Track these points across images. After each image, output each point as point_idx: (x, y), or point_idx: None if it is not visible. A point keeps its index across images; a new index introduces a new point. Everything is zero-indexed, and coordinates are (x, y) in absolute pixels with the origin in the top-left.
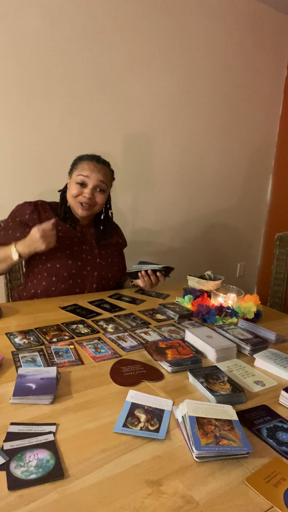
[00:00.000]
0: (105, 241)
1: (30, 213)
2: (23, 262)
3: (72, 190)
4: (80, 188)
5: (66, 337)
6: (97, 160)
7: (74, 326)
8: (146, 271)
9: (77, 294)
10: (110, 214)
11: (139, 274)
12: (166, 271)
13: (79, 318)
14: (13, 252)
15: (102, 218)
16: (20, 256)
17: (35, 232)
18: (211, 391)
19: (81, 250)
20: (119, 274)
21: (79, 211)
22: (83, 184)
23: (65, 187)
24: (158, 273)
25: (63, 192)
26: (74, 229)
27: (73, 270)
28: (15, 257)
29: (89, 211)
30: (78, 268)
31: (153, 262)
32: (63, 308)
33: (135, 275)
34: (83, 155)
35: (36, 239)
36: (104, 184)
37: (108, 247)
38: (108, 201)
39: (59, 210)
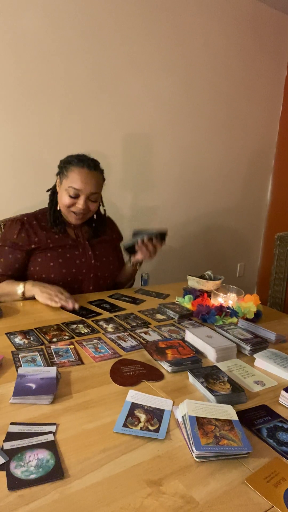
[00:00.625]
0: (98, 239)
1: (18, 233)
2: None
3: (64, 201)
4: (72, 199)
5: (66, 337)
6: (88, 166)
7: (74, 326)
8: (142, 241)
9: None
10: (103, 211)
11: (136, 247)
12: (161, 236)
13: (79, 318)
14: (20, 287)
15: (94, 216)
16: (23, 294)
17: (50, 293)
18: (211, 391)
19: (74, 256)
20: (116, 272)
21: (72, 221)
22: (75, 196)
23: (54, 188)
24: (154, 240)
25: (52, 193)
26: (64, 234)
27: (68, 278)
28: (19, 291)
29: (83, 220)
30: (72, 274)
31: (146, 229)
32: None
33: (132, 249)
34: (71, 159)
35: (46, 296)
36: (96, 194)
37: (102, 245)
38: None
39: (48, 215)
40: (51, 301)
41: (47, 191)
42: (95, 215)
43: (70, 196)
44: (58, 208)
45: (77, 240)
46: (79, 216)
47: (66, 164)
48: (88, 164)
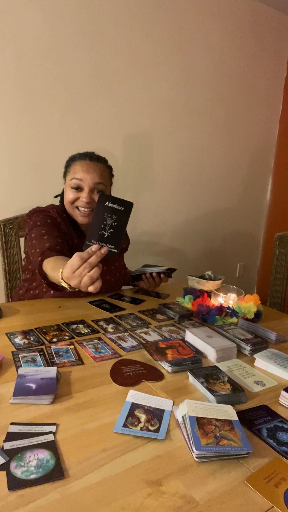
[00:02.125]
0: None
1: (57, 217)
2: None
3: (68, 196)
4: (75, 193)
5: (66, 337)
6: (90, 158)
7: (74, 326)
8: (150, 273)
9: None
10: None
11: (143, 276)
12: (170, 272)
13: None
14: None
15: None
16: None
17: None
18: (211, 391)
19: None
20: (121, 280)
21: (78, 219)
22: (78, 188)
23: (63, 192)
24: (162, 275)
25: (61, 197)
26: (79, 238)
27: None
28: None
29: (89, 217)
30: None
31: (156, 265)
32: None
33: (138, 277)
34: (75, 155)
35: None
36: (101, 185)
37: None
38: None
39: (66, 223)
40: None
41: (55, 197)
42: None
43: (73, 189)
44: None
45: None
46: (85, 212)
47: (69, 162)
48: (90, 156)
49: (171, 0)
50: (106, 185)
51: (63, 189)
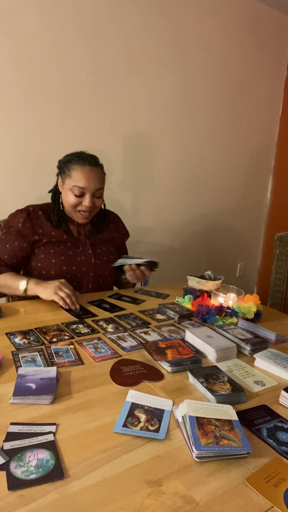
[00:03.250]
0: (98, 237)
1: (23, 222)
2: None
3: (70, 200)
4: (77, 198)
5: (66, 337)
6: (89, 163)
7: (74, 326)
8: (129, 265)
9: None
10: (102, 206)
11: (124, 268)
12: (150, 265)
13: (75, 318)
14: (21, 285)
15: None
16: (25, 290)
17: (54, 286)
18: (211, 391)
19: (75, 254)
20: (116, 271)
21: (79, 220)
22: (81, 195)
23: (56, 188)
24: (142, 267)
25: (54, 193)
26: (67, 233)
27: (67, 275)
28: (21, 287)
29: (89, 218)
30: (72, 272)
31: (136, 257)
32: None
33: (120, 268)
34: (71, 158)
35: (50, 290)
36: (101, 190)
37: (103, 244)
38: None
39: (52, 215)
40: (56, 296)
41: (49, 192)
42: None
43: (76, 195)
44: (61, 208)
45: (78, 238)
46: (85, 215)
47: (66, 164)
48: (89, 161)
49: (171, 0)
50: (103, 188)
51: (56, 185)
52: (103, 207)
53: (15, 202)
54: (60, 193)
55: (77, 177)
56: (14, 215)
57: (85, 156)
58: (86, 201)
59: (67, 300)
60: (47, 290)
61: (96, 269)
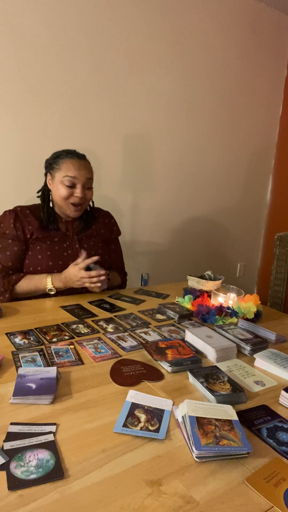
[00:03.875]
0: (86, 233)
1: (14, 222)
2: None
3: (62, 193)
4: (69, 189)
5: (66, 337)
6: (78, 157)
7: (74, 326)
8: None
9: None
10: (91, 203)
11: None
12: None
13: (75, 318)
14: (49, 286)
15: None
16: (56, 289)
17: (75, 273)
18: (211, 391)
19: (61, 249)
20: (103, 267)
21: (71, 213)
22: (72, 185)
23: (44, 188)
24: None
25: (43, 193)
26: (56, 230)
27: (54, 270)
28: (52, 292)
29: (81, 211)
30: (59, 267)
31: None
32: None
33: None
34: (59, 153)
35: (75, 279)
36: (91, 180)
37: (90, 239)
38: None
39: (41, 214)
40: (86, 285)
41: (38, 192)
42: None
43: (67, 186)
44: (51, 205)
45: (65, 233)
46: (78, 208)
47: (55, 159)
48: (77, 155)
49: (171, 0)
50: (92, 179)
51: (44, 184)
52: (91, 204)
53: (15, 202)
54: (49, 191)
55: (67, 168)
56: (3, 218)
57: (72, 151)
58: (78, 191)
59: (95, 283)
60: (75, 285)
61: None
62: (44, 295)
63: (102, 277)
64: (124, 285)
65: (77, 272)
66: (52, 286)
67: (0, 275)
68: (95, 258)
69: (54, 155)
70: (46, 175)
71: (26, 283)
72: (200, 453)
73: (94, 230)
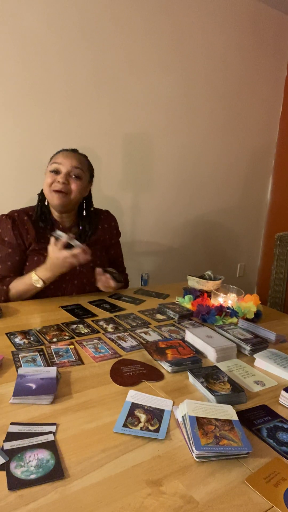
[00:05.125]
0: (86, 242)
1: (12, 230)
2: None
3: (46, 180)
4: (54, 176)
5: (66, 337)
6: (72, 151)
7: (74, 326)
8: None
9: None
10: (91, 209)
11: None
12: (111, 272)
13: (75, 318)
14: (34, 278)
15: (83, 215)
16: (44, 282)
17: (56, 255)
18: (211, 391)
19: None
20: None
21: (55, 201)
22: (57, 172)
23: (43, 192)
24: (107, 274)
25: (41, 192)
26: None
27: (51, 285)
28: (39, 285)
29: (64, 199)
30: (55, 282)
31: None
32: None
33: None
34: (58, 151)
35: (59, 262)
36: (78, 170)
37: (91, 248)
38: (88, 197)
39: (35, 210)
40: (70, 264)
41: (38, 194)
42: (84, 212)
43: (51, 173)
44: (46, 204)
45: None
46: (61, 195)
47: (51, 157)
48: (72, 150)
49: (171, 0)
50: (83, 172)
51: (41, 192)
52: (91, 204)
53: (15, 202)
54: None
55: (55, 158)
56: (1, 223)
57: (71, 148)
58: (60, 177)
59: (79, 258)
60: (62, 269)
61: (81, 277)
62: (44, 295)
63: (88, 251)
64: (127, 285)
65: (58, 253)
66: (37, 277)
67: None
68: (71, 235)
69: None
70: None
71: (17, 284)
72: (200, 453)
73: (95, 237)
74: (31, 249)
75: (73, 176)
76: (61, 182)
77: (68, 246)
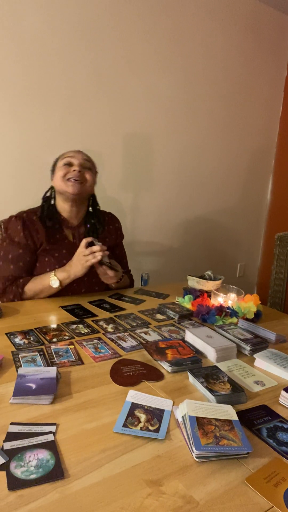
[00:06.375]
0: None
1: (23, 230)
2: None
3: (60, 172)
4: (67, 168)
5: (66, 337)
6: (77, 150)
7: (74, 326)
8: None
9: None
10: (98, 208)
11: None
12: (108, 264)
13: (75, 318)
14: (52, 278)
15: (90, 212)
16: (60, 284)
17: (76, 254)
18: (211, 391)
19: (70, 258)
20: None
21: (69, 189)
22: (70, 164)
23: (50, 191)
24: (103, 266)
25: (48, 191)
26: (62, 236)
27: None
28: (55, 285)
29: (80, 187)
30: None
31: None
32: (63, 307)
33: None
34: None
35: (78, 259)
36: (89, 163)
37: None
38: (94, 196)
39: (41, 209)
40: (88, 265)
41: (45, 192)
42: (90, 208)
43: (65, 165)
44: (53, 203)
45: (73, 242)
46: (76, 183)
47: (57, 158)
48: (78, 150)
49: (171, 0)
50: (92, 167)
51: (51, 188)
52: (96, 201)
53: (15, 202)
54: (53, 188)
55: (66, 154)
56: (12, 224)
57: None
58: (75, 167)
59: (98, 257)
60: (79, 269)
61: (91, 276)
62: (55, 293)
63: (106, 252)
64: (132, 284)
65: (79, 251)
66: (56, 278)
67: (8, 283)
68: (104, 247)
69: (57, 158)
70: (51, 178)
71: (33, 284)
72: (200, 453)
73: (101, 238)
74: (42, 249)
75: (86, 168)
76: (77, 171)
77: (89, 246)
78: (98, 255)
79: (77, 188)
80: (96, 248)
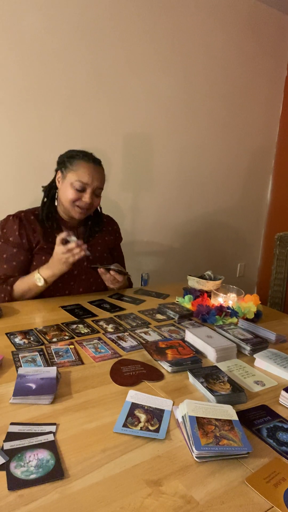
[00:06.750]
0: (91, 242)
1: (18, 229)
2: None
3: (69, 195)
4: (78, 193)
5: (66, 337)
6: (94, 162)
7: (74, 326)
8: (100, 268)
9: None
10: (99, 209)
11: (98, 270)
12: (120, 272)
13: (75, 318)
14: (36, 276)
15: (92, 216)
16: (45, 281)
17: (55, 252)
18: (211, 391)
19: None
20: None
21: (76, 215)
22: (82, 190)
23: (51, 183)
24: (111, 272)
25: (49, 188)
26: (59, 231)
27: (59, 283)
28: (40, 283)
29: (86, 214)
30: (63, 277)
31: (110, 265)
32: (63, 307)
33: (94, 269)
34: (75, 153)
35: (57, 258)
36: (101, 189)
37: (96, 248)
38: None
39: (41, 209)
40: (70, 263)
41: (43, 186)
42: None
43: (77, 190)
44: (55, 204)
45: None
46: (84, 211)
47: (70, 159)
48: (94, 159)
49: (171, 0)
50: (103, 189)
51: (52, 180)
52: (99, 209)
53: (15, 202)
54: (56, 188)
55: (82, 173)
56: (6, 223)
57: (90, 154)
58: (87, 197)
59: (76, 254)
60: (61, 266)
61: (89, 276)
62: (52, 293)
63: (83, 246)
64: (131, 285)
65: (56, 250)
66: (39, 275)
67: (0, 282)
68: (80, 242)
69: (70, 153)
70: (56, 171)
71: (21, 282)
72: (200, 453)
73: (99, 238)
74: (39, 248)
75: (95, 195)
76: (88, 203)
77: (66, 242)
78: (77, 254)
79: (83, 215)
80: (72, 245)
